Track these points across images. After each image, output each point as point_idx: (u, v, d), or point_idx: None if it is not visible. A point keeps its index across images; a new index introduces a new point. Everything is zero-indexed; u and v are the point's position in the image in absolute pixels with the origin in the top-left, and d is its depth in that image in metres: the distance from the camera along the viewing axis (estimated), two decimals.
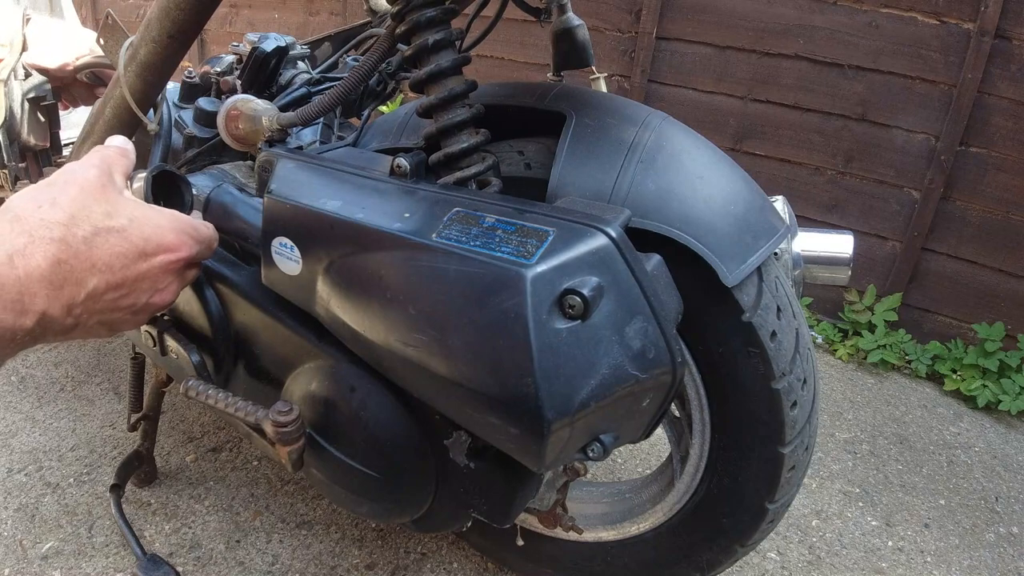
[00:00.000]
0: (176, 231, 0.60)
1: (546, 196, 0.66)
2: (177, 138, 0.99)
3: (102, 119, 0.85)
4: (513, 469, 0.67)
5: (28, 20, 1.09)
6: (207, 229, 0.65)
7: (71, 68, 1.13)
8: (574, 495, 0.90)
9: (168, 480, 1.20)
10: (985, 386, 1.63)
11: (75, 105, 1.23)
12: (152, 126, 0.86)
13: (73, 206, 0.53)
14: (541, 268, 0.48)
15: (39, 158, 1.38)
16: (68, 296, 0.51)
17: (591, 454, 0.56)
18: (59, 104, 1.33)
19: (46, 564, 1.03)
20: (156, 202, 0.68)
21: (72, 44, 1.15)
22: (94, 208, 0.54)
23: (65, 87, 1.20)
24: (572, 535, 0.87)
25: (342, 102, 0.71)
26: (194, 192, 0.76)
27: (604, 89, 1.08)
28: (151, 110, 0.84)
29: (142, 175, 0.68)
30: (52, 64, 1.15)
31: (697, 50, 1.99)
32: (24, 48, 1.13)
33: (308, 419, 0.71)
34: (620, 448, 1.25)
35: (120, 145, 0.63)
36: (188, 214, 0.70)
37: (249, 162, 0.95)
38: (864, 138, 1.82)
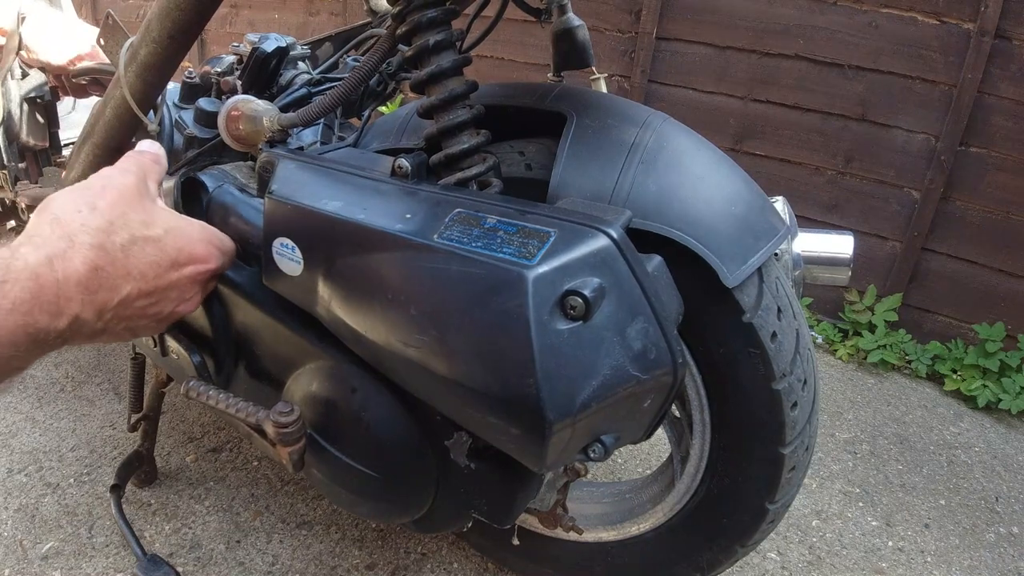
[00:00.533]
0: (206, 243, 0.62)
1: (547, 197, 0.66)
2: (178, 139, 0.99)
3: (102, 120, 0.85)
4: (514, 470, 0.67)
5: (23, 19, 1.09)
6: (230, 241, 0.67)
7: (71, 70, 1.13)
8: (574, 495, 0.90)
9: (168, 480, 1.20)
10: (985, 386, 1.64)
11: (67, 95, 1.23)
12: (152, 127, 0.86)
13: (112, 212, 0.54)
14: (543, 269, 0.48)
15: (38, 158, 1.38)
16: (102, 301, 0.52)
17: (592, 455, 0.56)
18: (57, 95, 1.33)
19: (46, 564, 1.03)
20: (183, 205, 0.70)
21: (71, 39, 1.15)
22: (132, 216, 0.55)
23: (61, 82, 1.20)
24: (572, 535, 0.87)
25: (343, 103, 0.71)
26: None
27: (604, 89, 1.08)
28: (151, 111, 0.84)
29: (170, 180, 0.69)
30: (52, 61, 1.15)
31: (697, 50, 1.99)
32: (20, 48, 1.12)
33: (309, 420, 0.71)
34: (621, 448, 1.25)
35: (154, 151, 0.64)
36: (205, 216, 0.71)
37: (250, 163, 0.95)
38: (864, 138, 1.82)
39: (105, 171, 0.58)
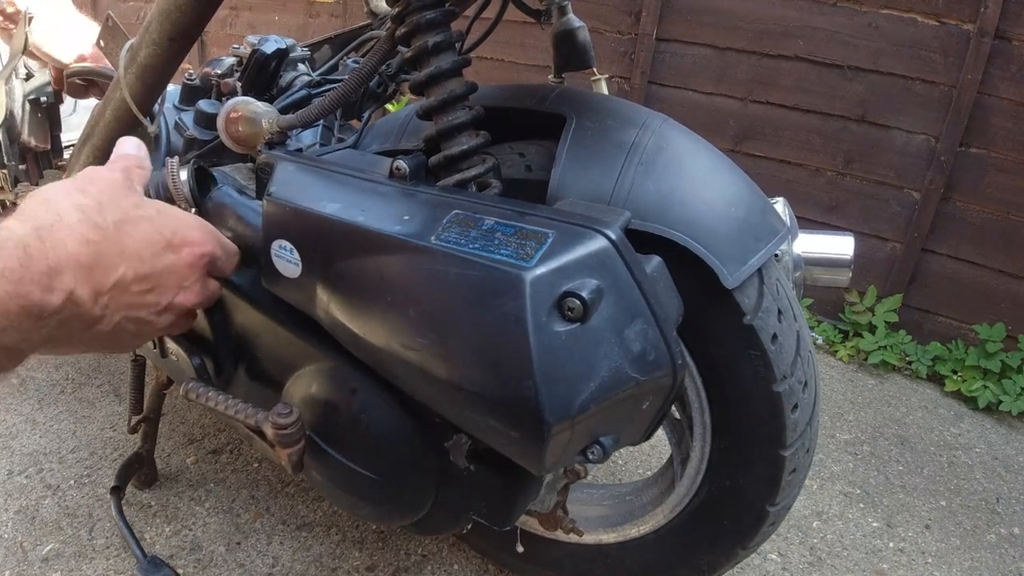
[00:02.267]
0: (200, 229, 0.62)
1: (546, 198, 0.65)
2: (178, 140, 0.99)
3: (103, 122, 0.85)
4: (513, 472, 0.67)
5: (31, 19, 1.09)
6: (231, 244, 0.67)
7: (67, 71, 1.13)
8: (575, 497, 0.90)
9: (168, 482, 1.20)
10: (986, 387, 1.63)
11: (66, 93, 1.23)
12: (152, 128, 0.86)
13: (102, 196, 0.55)
14: (540, 270, 0.48)
15: (39, 160, 1.38)
16: (97, 280, 0.52)
17: (591, 456, 0.56)
18: (59, 98, 1.33)
19: (47, 566, 1.03)
20: (198, 193, 0.72)
21: (76, 35, 1.15)
22: (122, 200, 0.56)
23: (59, 79, 1.20)
24: (573, 537, 0.87)
25: (342, 104, 0.71)
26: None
27: (605, 91, 1.08)
28: (151, 113, 0.84)
29: (183, 171, 0.70)
30: (58, 56, 1.15)
31: (697, 51, 1.99)
32: (26, 47, 1.12)
33: (308, 421, 0.71)
34: (621, 450, 1.25)
35: (139, 155, 0.64)
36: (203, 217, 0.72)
37: (249, 164, 0.96)
38: (864, 139, 1.82)
39: (91, 169, 0.59)
